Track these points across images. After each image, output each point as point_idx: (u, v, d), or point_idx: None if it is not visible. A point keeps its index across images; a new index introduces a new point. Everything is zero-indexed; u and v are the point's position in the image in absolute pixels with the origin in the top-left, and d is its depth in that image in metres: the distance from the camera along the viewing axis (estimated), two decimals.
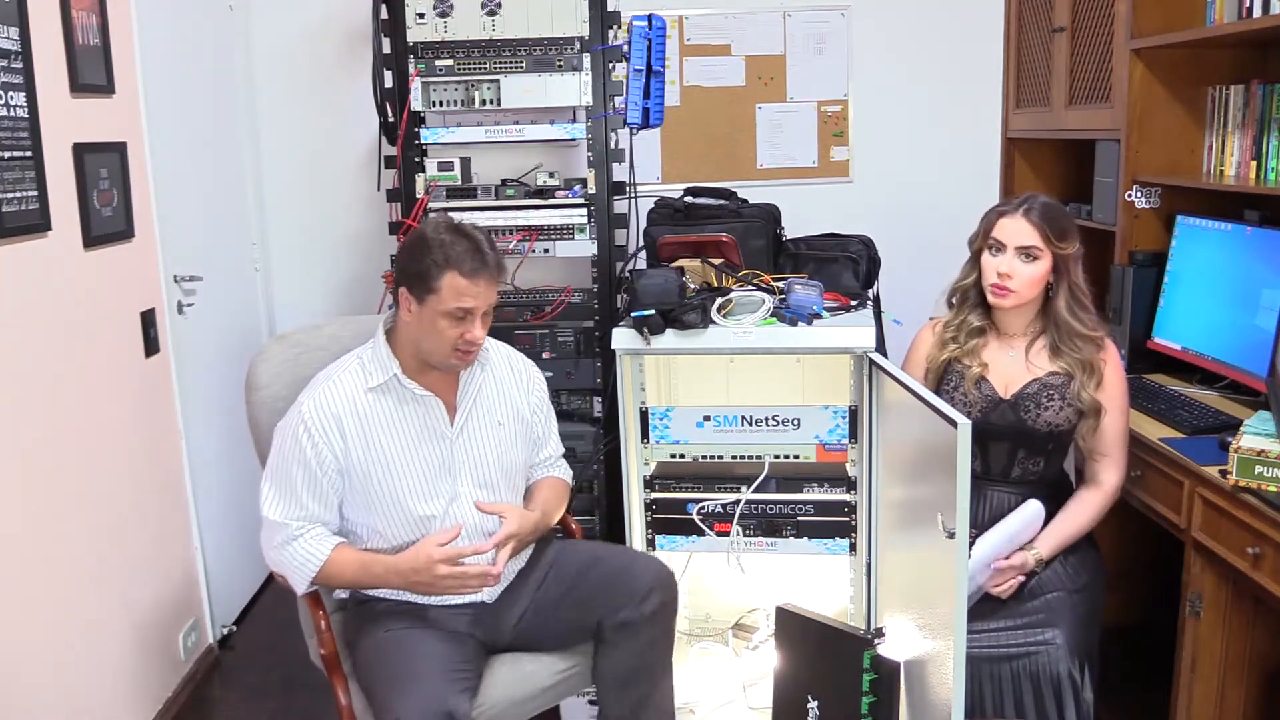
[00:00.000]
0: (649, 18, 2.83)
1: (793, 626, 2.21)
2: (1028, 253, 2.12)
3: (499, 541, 1.97)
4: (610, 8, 3.00)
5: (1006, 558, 2.12)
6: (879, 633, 2.12)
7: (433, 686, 1.83)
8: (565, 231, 3.02)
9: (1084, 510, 2.18)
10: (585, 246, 3.03)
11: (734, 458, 2.43)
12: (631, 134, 2.97)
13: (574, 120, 3.03)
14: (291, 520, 1.95)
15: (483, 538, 2.02)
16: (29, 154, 2.17)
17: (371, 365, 2.01)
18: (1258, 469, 1.92)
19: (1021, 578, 2.12)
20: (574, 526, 2.36)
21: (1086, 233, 2.64)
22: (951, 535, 1.74)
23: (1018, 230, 2.12)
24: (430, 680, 1.84)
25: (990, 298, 2.18)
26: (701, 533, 2.44)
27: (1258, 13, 2.32)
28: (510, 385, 2.14)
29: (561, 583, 2.09)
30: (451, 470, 2.03)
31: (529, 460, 2.19)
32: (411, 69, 2.98)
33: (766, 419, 2.39)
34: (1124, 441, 2.20)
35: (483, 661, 2.02)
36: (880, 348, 2.34)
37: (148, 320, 2.73)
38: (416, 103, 3.00)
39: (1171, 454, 2.18)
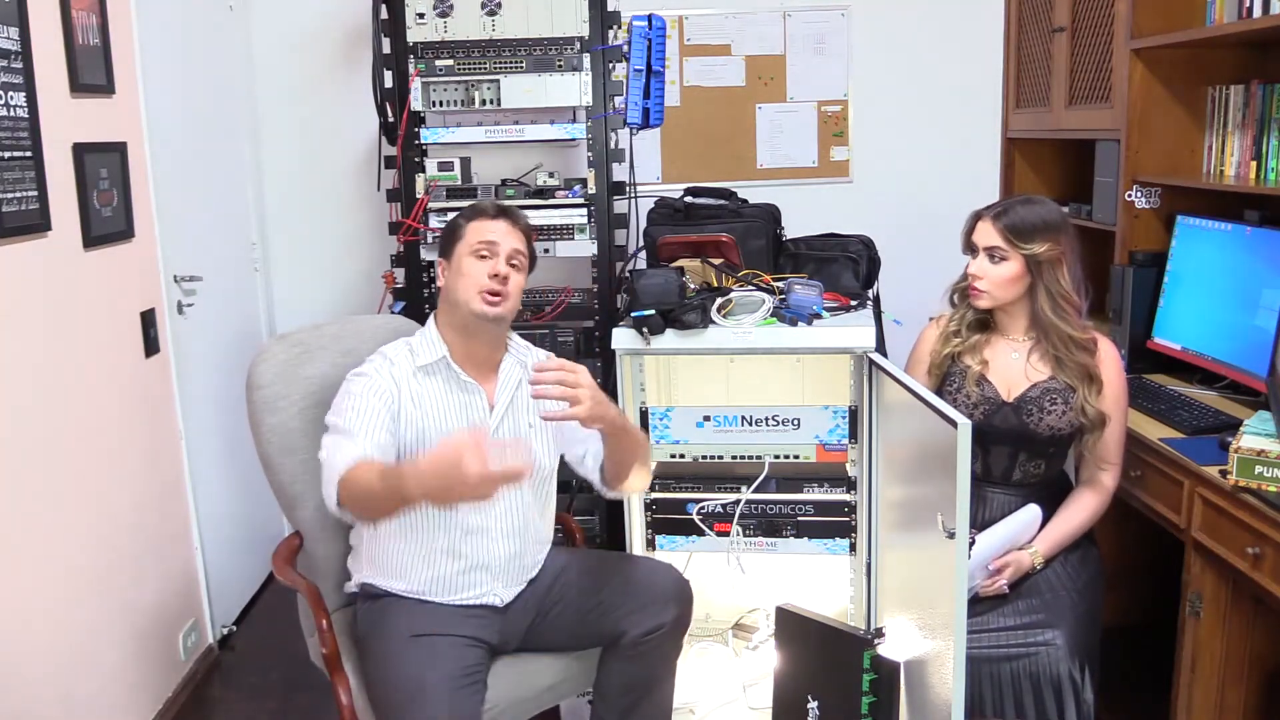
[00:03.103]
0: (649, 18, 2.83)
1: (793, 626, 2.21)
2: (993, 254, 2.16)
3: (563, 367, 1.83)
4: (610, 8, 3.00)
5: (1001, 557, 2.12)
6: (879, 633, 2.12)
7: (444, 700, 1.83)
8: (565, 231, 3.02)
9: (1081, 510, 2.19)
10: (585, 246, 3.03)
11: (734, 458, 2.43)
12: (631, 134, 2.97)
13: (574, 120, 3.04)
14: (354, 424, 1.90)
15: (510, 533, 2.02)
16: (29, 154, 2.17)
17: (420, 347, 2.04)
18: (1258, 469, 1.92)
19: (1005, 586, 2.13)
20: (575, 529, 2.35)
21: (1086, 233, 2.64)
22: (951, 535, 1.74)
23: (985, 232, 2.18)
24: (441, 692, 1.84)
25: (970, 297, 2.22)
26: (701, 533, 2.44)
27: (1258, 13, 2.32)
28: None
29: (578, 591, 2.07)
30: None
31: (561, 459, 2.14)
32: (411, 69, 2.98)
33: (766, 419, 2.39)
34: (1123, 444, 2.21)
35: (489, 666, 2.00)
36: (880, 348, 2.34)
37: (148, 320, 2.73)
38: (416, 103, 3.00)
39: (1171, 454, 2.17)
